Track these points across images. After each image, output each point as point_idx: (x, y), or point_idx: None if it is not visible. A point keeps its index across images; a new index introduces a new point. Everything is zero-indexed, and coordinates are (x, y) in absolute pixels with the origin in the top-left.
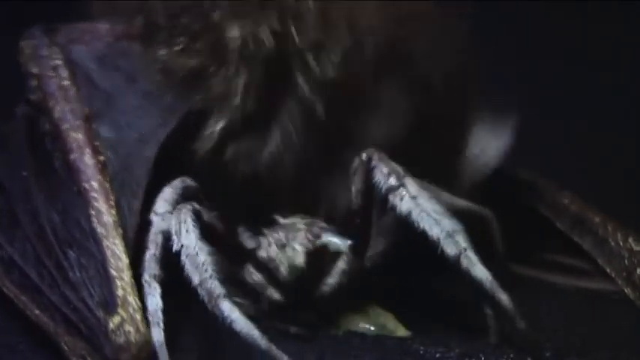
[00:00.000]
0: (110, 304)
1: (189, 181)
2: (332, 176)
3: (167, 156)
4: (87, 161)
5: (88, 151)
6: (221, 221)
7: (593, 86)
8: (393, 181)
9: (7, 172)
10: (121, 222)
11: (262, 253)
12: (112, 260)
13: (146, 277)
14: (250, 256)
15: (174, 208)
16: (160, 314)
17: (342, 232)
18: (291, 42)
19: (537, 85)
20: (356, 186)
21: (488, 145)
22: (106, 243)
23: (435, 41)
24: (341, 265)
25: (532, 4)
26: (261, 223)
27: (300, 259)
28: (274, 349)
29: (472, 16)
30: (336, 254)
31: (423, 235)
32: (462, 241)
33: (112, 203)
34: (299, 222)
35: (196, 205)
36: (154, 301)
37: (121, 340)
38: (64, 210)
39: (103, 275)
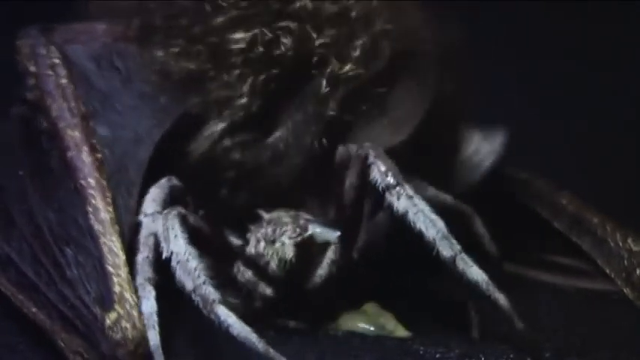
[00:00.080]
0: (107, 301)
1: (175, 181)
2: (328, 170)
3: (163, 156)
4: (84, 159)
5: (85, 148)
6: (207, 221)
7: (593, 86)
8: (390, 179)
9: (3, 170)
10: (118, 219)
11: (251, 250)
12: (109, 257)
13: (140, 280)
14: (239, 254)
15: (162, 208)
16: (155, 317)
17: (330, 224)
18: (309, 39)
19: (537, 85)
20: (350, 180)
21: (482, 147)
22: (103, 240)
23: (442, 43)
24: (330, 255)
25: (532, 4)
26: (246, 219)
27: (289, 253)
28: (272, 352)
29: (472, 16)
30: (325, 245)
31: (418, 235)
32: (458, 242)
33: (109, 200)
34: (284, 216)
35: (182, 210)
36: (149, 304)
37: (118, 336)
38: (61, 208)
39: (100, 272)
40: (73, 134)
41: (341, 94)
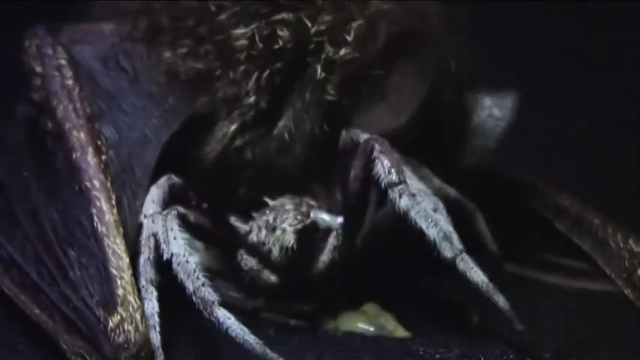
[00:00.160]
0: (110, 303)
1: (174, 178)
2: (333, 156)
3: (171, 157)
4: (89, 160)
5: (90, 150)
6: (210, 213)
7: (593, 86)
8: (393, 176)
9: (8, 171)
10: (122, 221)
11: (253, 238)
12: (112, 259)
13: (142, 282)
14: (242, 242)
15: (162, 208)
16: (156, 318)
17: (334, 211)
18: (305, 29)
19: (537, 85)
20: (355, 171)
21: (493, 112)
22: (107, 242)
23: (443, 34)
24: (332, 241)
25: (532, 4)
26: (250, 206)
27: (290, 240)
28: (270, 353)
29: (472, 16)
30: (327, 231)
31: (419, 234)
32: (459, 243)
33: (114, 202)
34: (287, 203)
35: (181, 209)
36: (151, 305)
37: (121, 339)
38: (65, 209)
39: (104, 274)
40: (79, 135)
41: (338, 78)
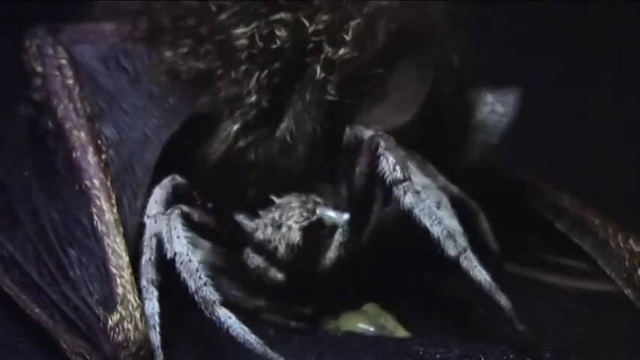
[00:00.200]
0: (110, 302)
1: (178, 179)
2: (337, 154)
3: (171, 157)
4: (89, 159)
5: (90, 149)
6: (215, 212)
7: (593, 86)
8: (398, 173)
9: (8, 170)
10: (122, 221)
11: (259, 235)
12: (112, 258)
13: (144, 282)
14: (248, 240)
15: (165, 208)
16: (156, 318)
17: (340, 208)
18: (303, 28)
19: (537, 85)
20: (360, 167)
21: (495, 109)
22: (107, 241)
23: (442, 29)
24: (338, 238)
25: (532, 4)
26: (257, 204)
27: (296, 237)
28: (270, 353)
29: (472, 16)
30: (333, 228)
31: (423, 231)
32: (463, 241)
33: (114, 202)
34: (294, 200)
35: (185, 208)
36: (151, 305)
37: (120, 337)
38: (65, 208)
39: (104, 273)
40: (79, 135)
41: (337, 78)
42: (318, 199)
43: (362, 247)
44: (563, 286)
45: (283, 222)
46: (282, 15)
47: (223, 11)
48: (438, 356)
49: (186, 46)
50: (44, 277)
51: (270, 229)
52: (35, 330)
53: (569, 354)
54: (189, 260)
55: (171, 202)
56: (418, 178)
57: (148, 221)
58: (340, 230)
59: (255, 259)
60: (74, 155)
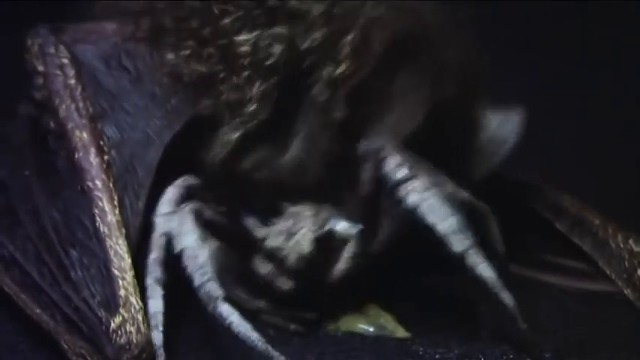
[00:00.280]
0: (112, 304)
1: (191, 180)
2: (349, 169)
3: (173, 158)
4: (91, 160)
5: (92, 150)
6: (227, 215)
7: (593, 86)
8: (402, 173)
9: (9, 170)
10: (124, 222)
11: (270, 243)
12: (114, 260)
13: (149, 281)
14: (258, 247)
15: (177, 207)
16: (160, 317)
17: (350, 218)
18: (299, 43)
19: (537, 85)
20: (366, 173)
21: (500, 129)
22: (109, 242)
23: (441, 31)
24: (349, 250)
25: (532, 4)
26: (270, 211)
27: (306, 247)
28: (272, 351)
29: (472, 16)
30: (345, 240)
31: (429, 230)
32: (468, 238)
33: (116, 203)
34: (306, 210)
35: (197, 204)
36: (155, 304)
37: (122, 340)
38: (67, 209)
39: (106, 275)
40: (81, 135)
41: (340, 95)
42: (331, 210)
43: (372, 258)
44: (563, 286)
45: (295, 232)
46: (278, 29)
47: (226, 16)
48: (437, 356)
49: (188, 48)
50: (45, 277)
51: (281, 238)
52: (35, 330)
53: (569, 354)
54: (197, 255)
55: (183, 202)
56: (424, 177)
57: (158, 220)
58: (352, 242)
59: (264, 267)
60: (76, 156)
